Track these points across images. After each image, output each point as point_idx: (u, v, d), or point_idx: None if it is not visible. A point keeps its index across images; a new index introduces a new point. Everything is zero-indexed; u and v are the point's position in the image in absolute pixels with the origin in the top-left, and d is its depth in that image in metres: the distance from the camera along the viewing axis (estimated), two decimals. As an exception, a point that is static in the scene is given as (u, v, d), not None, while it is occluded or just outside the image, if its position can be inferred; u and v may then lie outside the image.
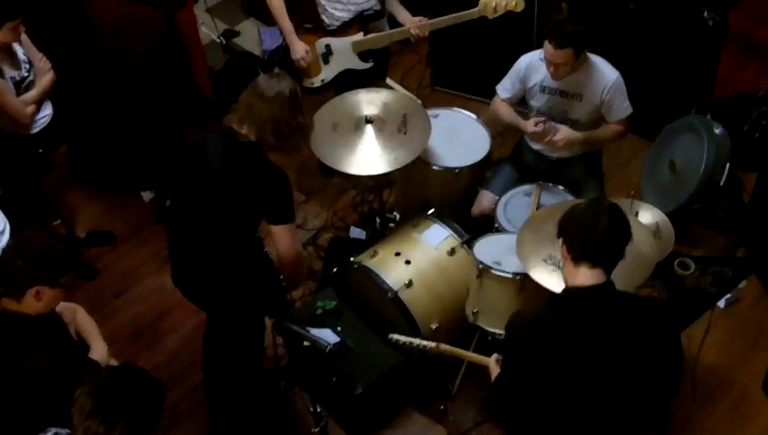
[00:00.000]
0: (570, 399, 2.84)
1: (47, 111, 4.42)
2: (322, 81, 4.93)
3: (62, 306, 3.42)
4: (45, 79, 4.34)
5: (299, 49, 4.78)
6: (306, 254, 5.00)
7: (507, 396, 3.01)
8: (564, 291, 2.86)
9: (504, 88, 4.51)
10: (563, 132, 4.34)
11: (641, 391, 2.88)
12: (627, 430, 2.98)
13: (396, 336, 3.69)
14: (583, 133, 4.39)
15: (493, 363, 3.20)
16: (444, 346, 3.62)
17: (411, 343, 3.64)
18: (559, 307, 2.86)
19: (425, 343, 3.61)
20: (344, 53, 4.88)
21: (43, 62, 4.35)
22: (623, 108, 4.33)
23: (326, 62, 4.89)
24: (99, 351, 3.49)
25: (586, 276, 2.79)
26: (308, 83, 4.91)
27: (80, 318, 3.58)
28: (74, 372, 3.07)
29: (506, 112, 4.55)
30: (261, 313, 3.89)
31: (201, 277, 3.77)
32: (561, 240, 2.88)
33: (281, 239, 3.57)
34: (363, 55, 4.91)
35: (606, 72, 4.27)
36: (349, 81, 4.88)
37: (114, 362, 3.56)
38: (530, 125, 4.38)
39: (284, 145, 3.52)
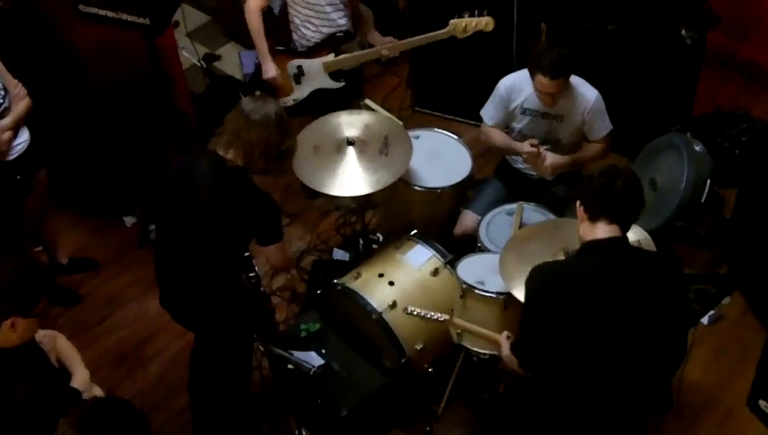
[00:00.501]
0: (587, 348, 2.95)
1: (24, 136, 4.39)
2: (294, 100, 4.97)
3: (42, 334, 3.38)
4: (21, 105, 4.32)
5: (270, 69, 4.84)
6: (290, 275, 5.00)
7: (530, 352, 3.12)
8: (583, 245, 2.99)
9: (489, 116, 4.53)
10: (550, 158, 4.37)
11: (654, 345, 2.98)
12: (638, 389, 3.07)
13: (411, 308, 3.82)
14: (569, 157, 4.44)
15: (504, 340, 3.32)
16: (457, 320, 3.77)
17: (425, 315, 3.77)
18: (582, 259, 2.98)
19: (438, 315, 3.75)
20: (316, 74, 4.93)
21: (18, 89, 4.33)
22: (604, 126, 4.38)
23: (298, 82, 4.94)
24: (80, 378, 3.46)
25: (603, 231, 2.94)
26: (281, 103, 4.93)
27: (60, 345, 3.55)
28: (55, 400, 3.05)
29: (498, 137, 4.55)
30: (248, 334, 3.87)
31: (188, 299, 3.76)
32: (578, 203, 3.03)
33: (274, 258, 3.66)
34: (335, 75, 4.97)
35: (586, 93, 4.31)
36: (323, 100, 4.93)
37: (98, 390, 3.53)
38: (525, 146, 4.39)
39: (273, 168, 3.53)
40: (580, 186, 3.11)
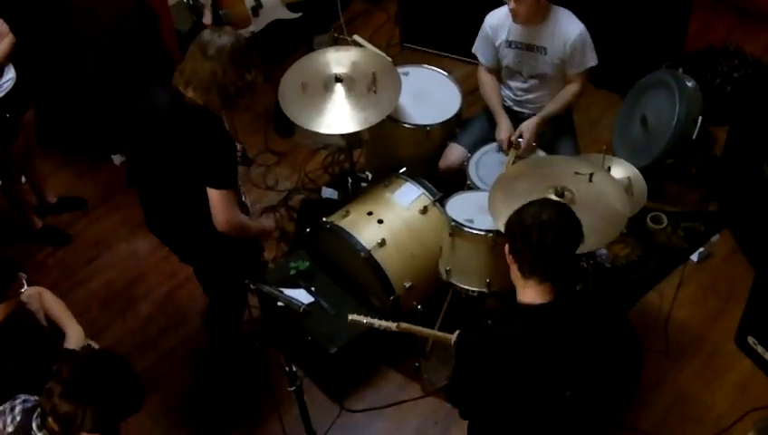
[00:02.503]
0: (521, 410, 2.82)
1: (9, 74, 4.35)
2: (252, 32, 4.94)
3: (27, 294, 3.36)
4: (4, 43, 4.26)
5: None
6: (279, 215, 4.99)
7: (461, 397, 2.97)
8: (513, 308, 2.79)
9: (481, 53, 4.49)
10: (526, 133, 4.31)
11: (593, 400, 2.88)
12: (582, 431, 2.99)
13: (355, 317, 3.67)
14: (538, 116, 4.36)
15: (454, 343, 3.15)
16: (404, 325, 3.61)
17: (372, 324, 3.62)
18: (508, 326, 2.79)
19: (385, 323, 3.60)
20: (273, 6, 4.93)
21: (1, 26, 4.27)
22: (583, 62, 4.29)
23: (255, 14, 4.93)
24: (74, 337, 3.45)
25: (534, 293, 2.72)
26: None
27: (47, 302, 3.54)
28: (46, 361, 3.04)
29: (489, 93, 4.53)
30: (233, 270, 3.85)
31: (166, 227, 3.74)
32: (506, 248, 2.77)
33: (212, 205, 3.40)
34: (293, 6, 4.97)
35: (570, 26, 4.25)
36: (283, 35, 4.87)
37: (94, 344, 3.53)
38: (502, 133, 4.38)
39: (233, 105, 3.41)
40: (508, 226, 2.76)
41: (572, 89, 4.38)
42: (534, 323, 2.73)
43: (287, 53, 4.52)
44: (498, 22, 4.34)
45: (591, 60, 4.31)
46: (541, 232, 2.65)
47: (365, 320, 3.64)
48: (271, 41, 4.93)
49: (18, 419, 2.77)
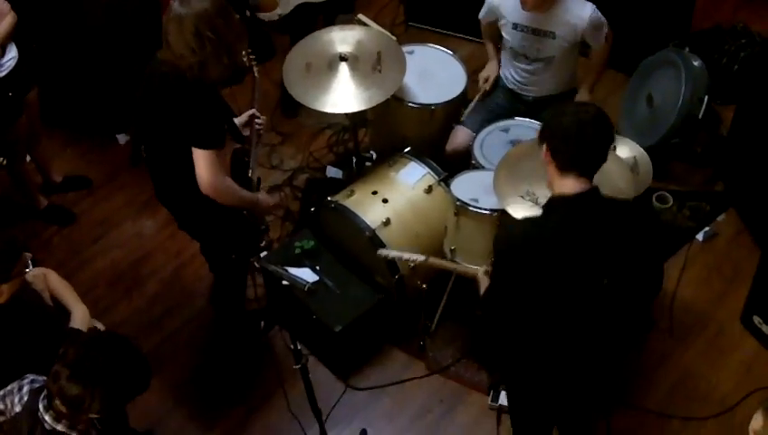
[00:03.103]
0: (561, 303, 2.89)
1: (12, 53, 4.34)
2: (279, 15, 4.91)
3: (32, 275, 3.38)
4: (6, 22, 4.26)
5: None
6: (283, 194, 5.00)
7: (498, 305, 3.05)
8: (551, 200, 2.88)
9: (482, 10, 4.50)
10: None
11: (628, 291, 2.94)
12: (615, 331, 3.04)
13: (385, 251, 3.72)
14: (585, 89, 4.48)
15: (481, 275, 3.22)
16: (433, 259, 3.66)
17: (401, 258, 3.67)
18: (548, 216, 2.87)
19: (414, 256, 3.63)
20: None
21: (1, 5, 4.26)
22: (602, 33, 4.29)
23: None
24: (79, 317, 3.45)
25: (573, 185, 2.81)
26: (266, 17, 4.91)
27: (52, 283, 3.54)
28: (52, 341, 3.05)
29: (486, 37, 4.61)
30: (232, 243, 3.84)
31: (169, 197, 3.76)
32: (544, 146, 2.87)
33: (196, 166, 3.39)
34: None
35: (581, 11, 4.21)
36: (309, 16, 4.84)
37: (98, 325, 3.54)
38: (486, 71, 4.54)
39: (230, 75, 3.40)
40: (545, 125, 2.90)
41: (602, 51, 4.40)
42: (572, 211, 2.83)
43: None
44: (505, 1, 4.32)
45: (606, 27, 4.30)
46: (580, 127, 2.78)
47: (393, 253, 3.69)
48: (298, 23, 4.90)
49: (25, 398, 2.79)
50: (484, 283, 3.17)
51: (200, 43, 3.24)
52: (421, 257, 3.62)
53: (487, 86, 4.54)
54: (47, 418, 2.70)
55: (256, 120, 3.92)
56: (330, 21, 5.14)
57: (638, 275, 2.94)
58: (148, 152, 3.70)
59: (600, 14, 4.24)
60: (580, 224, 2.82)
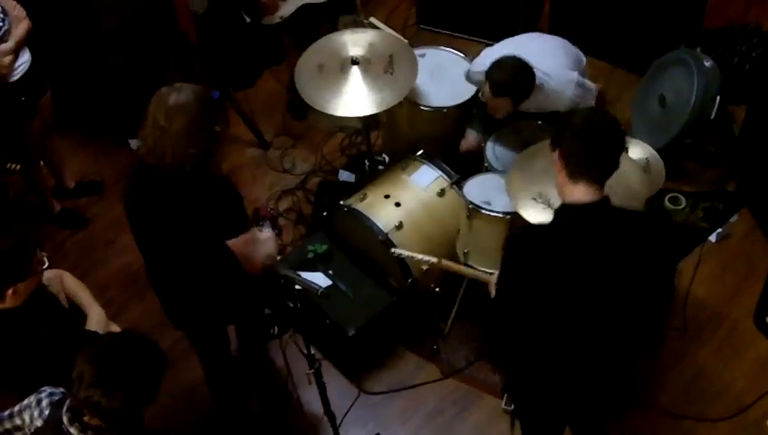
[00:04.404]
0: (569, 313, 2.86)
1: (25, 57, 4.36)
2: (281, 17, 4.91)
3: (48, 278, 3.38)
4: (21, 27, 4.28)
5: None
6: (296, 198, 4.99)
7: (506, 314, 3.03)
8: (562, 208, 2.85)
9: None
10: None
11: (637, 304, 2.91)
12: (624, 345, 3.01)
13: (398, 251, 3.72)
14: None
15: (494, 281, 3.19)
16: (445, 262, 3.65)
17: (413, 258, 3.66)
18: (558, 225, 2.84)
19: (426, 257, 3.63)
20: None
21: (17, 10, 4.28)
22: (588, 96, 4.17)
23: None
24: (95, 319, 3.46)
25: (583, 193, 2.77)
26: (268, 21, 4.91)
27: (68, 284, 3.56)
28: (71, 345, 3.05)
29: None
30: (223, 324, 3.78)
31: (179, 305, 3.60)
32: (556, 152, 2.84)
33: (240, 255, 3.25)
34: None
35: (561, 93, 4.10)
36: (311, 18, 4.84)
37: (115, 327, 3.54)
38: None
39: (210, 154, 3.19)
40: (558, 130, 2.86)
41: None
42: (583, 220, 2.79)
43: (315, 38, 4.49)
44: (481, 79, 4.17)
45: (592, 88, 4.20)
46: (592, 129, 2.77)
47: (406, 253, 3.68)
48: (299, 25, 4.90)
49: (47, 412, 2.76)
50: (495, 289, 3.14)
51: (202, 124, 3.09)
52: (433, 259, 3.62)
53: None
54: (72, 430, 2.69)
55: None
56: (332, 22, 5.15)
57: (649, 287, 2.91)
58: (157, 274, 3.52)
59: (581, 89, 4.11)
60: (590, 235, 2.79)
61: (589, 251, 2.78)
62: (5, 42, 4.24)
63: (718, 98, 4.61)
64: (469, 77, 4.33)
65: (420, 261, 3.67)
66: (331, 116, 4.25)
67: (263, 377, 4.24)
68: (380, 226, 4.07)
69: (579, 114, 2.89)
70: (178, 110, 3.05)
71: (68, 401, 2.72)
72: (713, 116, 4.62)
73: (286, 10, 4.91)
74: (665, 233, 3.01)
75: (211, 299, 3.43)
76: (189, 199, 3.15)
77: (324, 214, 4.44)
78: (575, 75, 4.12)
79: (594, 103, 4.22)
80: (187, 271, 3.32)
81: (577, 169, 2.77)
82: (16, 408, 2.85)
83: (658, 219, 3.07)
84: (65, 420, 2.69)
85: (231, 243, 3.26)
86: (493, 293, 3.15)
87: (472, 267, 3.88)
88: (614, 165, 2.80)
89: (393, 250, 3.81)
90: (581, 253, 2.78)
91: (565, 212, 2.83)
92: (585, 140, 2.76)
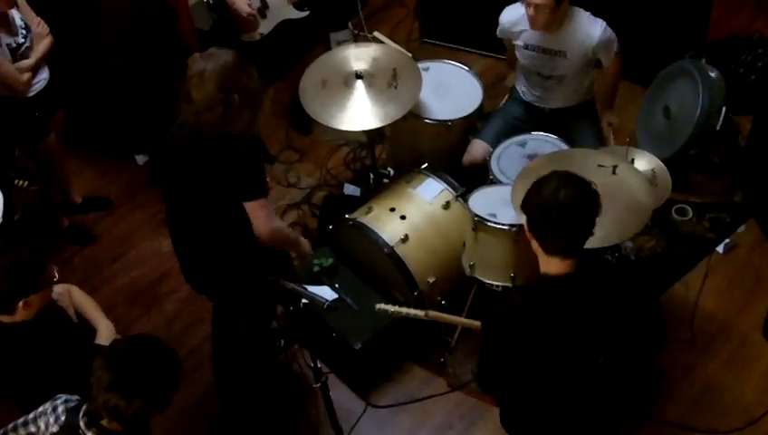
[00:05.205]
0: (554, 381, 2.83)
1: (43, 75, 4.40)
2: (261, 34, 4.90)
3: (57, 292, 3.39)
4: (43, 44, 4.32)
5: (242, 4, 4.74)
6: (301, 212, 4.99)
7: (491, 377, 2.99)
8: (538, 280, 2.79)
9: (498, 30, 4.51)
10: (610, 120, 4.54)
11: (627, 364, 2.89)
12: (614, 402, 3.00)
13: (383, 306, 3.64)
14: (605, 110, 4.58)
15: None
16: (432, 313, 3.61)
17: (399, 313, 3.61)
18: (535, 298, 2.80)
19: (413, 311, 3.59)
20: (279, 5, 4.89)
21: (41, 27, 4.32)
22: (612, 49, 4.32)
23: (263, 16, 4.89)
24: (105, 333, 3.46)
25: (557, 266, 2.72)
26: (248, 38, 4.89)
27: (76, 299, 3.56)
28: (79, 357, 3.06)
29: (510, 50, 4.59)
30: (263, 296, 3.84)
31: (200, 267, 3.70)
32: (527, 229, 2.75)
33: (253, 218, 3.38)
34: (299, 5, 4.93)
35: (591, 29, 4.22)
36: (296, 34, 4.85)
37: None
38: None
39: (249, 117, 3.34)
40: (527, 205, 2.73)
41: (612, 70, 4.42)
42: (561, 294, 2.74)
43: (302, 52, 4.48)
44: (513, 21, 4.34)
45: (616, 44, 4.31)
46: (560, 214, 2.63)
47: (392, 309, 3.61)
48: (282, 41, 4.90)
49: (63, 418, 2.78)
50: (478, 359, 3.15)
51: (224, 97, 3.21)
52: (421, 313, 3.56)
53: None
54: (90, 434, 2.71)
55: None
56: (323, 39, 5.13)
57: (636, 347, 2.89)
58: (179, 225, 3.64)
59: (610, 31, 4.25)
60: (568, 305, 2.74)
61: (568, 320, 2.74)
62: (26, 58, 4.27)
63: (724, 109, 4.60)
64: None
65: (407, 315, 3.60)
66: (336, 130, 4.26)
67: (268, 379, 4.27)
68: (386, 239, 4.07)
69: (545, 189, 2.68)
70: (215, 72, 3.19)
71: (84, 407, 2.74)
72: (718, 127, 4.61)
73: (266, 27, 4.90)
74: (634, 278, 2.99)
75: (231, 262, 3.55)
76: (213, 160, 3.30)
77: (330, 228, 4.44)
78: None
79: (615, 56, 4.32)
80: (210, 230, 3.48)
81: (546, 247, 2.71)
82: (31, 415, 2.87)
83: (624, 268, 3.01)
84: (82, 424, 2.71)
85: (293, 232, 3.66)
86: None
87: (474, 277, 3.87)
88: (586, 235, 2.70)
89: (379, 306, 3.67)
90: (561, 322, 2.74)
91: (542, 282, 2.77)
92: (553, 223, 2.65)
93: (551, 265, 2.73)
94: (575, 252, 2.71)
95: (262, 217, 3.38)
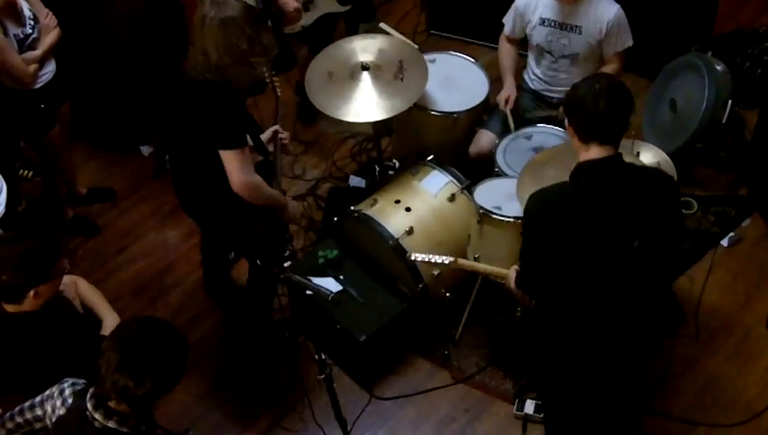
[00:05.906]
0: (593, 268, 2.95)
1: (50, 67, 4.40)
2: (303, 26, 4.93)
3: (63, 284, 3.39)
4: (50, 36, 4.32)
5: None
6: (306, 204, 5.01)
7: (533, 280, 3.13)
8: (578, 166, 2.95)
9: (508, 23, 4.53)
10: None
11: (658, 254, 2.99)
12: (644, 302, 3.07)
13: (415, 255, 3.72)
14: None
15: (513, 274, 3.27)
16: (462, 261, 3.68)
17: (430, 260, 3.66)
18: (576, 181, 2.95)
19: (443, 258, 3.63)
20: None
21: (49, 19, 4.32)
22: (621, 41, 4.31)
23: (306, 9, 4.93)
24: (111, 325, 3.44)
25: (596, 153, 2.91)
26: (289, 30, 4.92)
27: (82, 290, 3.57)
28: (85, 348, 3.08)
29: (504, 57, 4.58)
30: (260, 251, 3.90)
31: (189, 195, 3.86)
32: (566, 122, 3.01)
33: (226, 167, 3.51)
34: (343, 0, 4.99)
35: (608, 6, 4.25)
36: (331, 26, 4.89)
37: None
38: (504, 91, 4.49)
39: (251, 73, 3.48)
40: (566, 103, 3.03)
41: (611, 68, 4.36)
42: (600, 174, 2.92)
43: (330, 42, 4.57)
44: (530, 2, 4.35)
45: (628, 40, 4.33)
46: (594, 100, 2.87)
47: (423, 257, 3.67)
48: (320, 33, 4.92)
49: (70, 401, 2.79)
50: (512, 280, 3.25)
51: (224, 45, 3.32)
52: (450, 258, 3.63)
53: (510, 105, 4.48)
54: (97, 416, 2.70)
55: (280, 136, 3.95)
56: (353, 30, 5.15)
57: (666, 238, 2.99)
58: (174, 161, 3.81)
59: (625, 17, 4.26)
60: (608, 186, 2.90)
61: (608, 201, 2.90)
62: (34, 49, 4.27)
63: (730, 102, 4.59)
64: None
65: (436, 263, 3.66)
66: (342, 122, 4.26)
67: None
68: (391, 231, 4.07)
69: (582, 85, 2.97)
70: (223, 21, 3.30)
71: (91, 390, 2.74)
72: (724, 120, 4.60)
73: (308, 19, 4.92)
74: (672, 186, 3.10)
75: (215, 200, 3.71)
76: (197, 105, 3.47)
77: (335, 220, 4.44)
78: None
79: (629, 44, 4.34)
80: (197, 167, 3.65)
81: (585, 135, 2.92)
82: (38, 398, 2.88)
83: (666, 175, 3.12)
84: (89, 406, 2.72)
85: (276, 193, 3.77)
86: (512, 286, 3.24)
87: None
88: (623, 126, 2.92)
89: (410, 255, 3.80)
90: (601, 203, 2.90)
91: (582, 168, 2.94)
92: (588, 110, 2.89)
93: (590, 151, 2.92)
94: (612, 139, 2.91)
95: (235, 167, 3.50)
